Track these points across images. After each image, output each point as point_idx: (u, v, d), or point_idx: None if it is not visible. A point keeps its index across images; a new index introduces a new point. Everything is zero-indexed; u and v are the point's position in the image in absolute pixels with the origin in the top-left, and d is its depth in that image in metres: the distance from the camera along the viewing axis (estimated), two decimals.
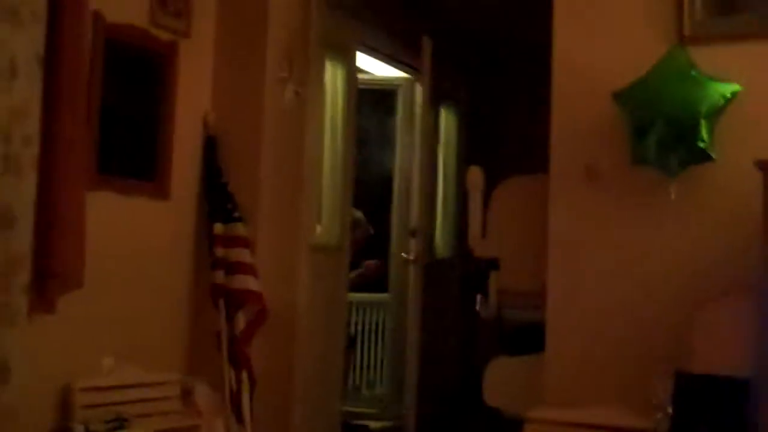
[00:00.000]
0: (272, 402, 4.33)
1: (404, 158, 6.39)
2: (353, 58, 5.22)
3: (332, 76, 4.96)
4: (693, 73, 3.40)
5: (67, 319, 3.53)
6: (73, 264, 3.47)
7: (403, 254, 5.37)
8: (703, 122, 3.34)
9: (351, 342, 6.11)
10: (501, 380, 4.14)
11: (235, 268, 4.15)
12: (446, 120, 6.49)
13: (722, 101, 3.38)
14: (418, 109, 6.21)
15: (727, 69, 3.42)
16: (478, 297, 4.58)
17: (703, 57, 3.45)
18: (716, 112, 3.39)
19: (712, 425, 2.96)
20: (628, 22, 3.72)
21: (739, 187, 3.31)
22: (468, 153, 6.44)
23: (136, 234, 3.99)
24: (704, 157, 3.38)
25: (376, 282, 6.45)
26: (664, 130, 3.38)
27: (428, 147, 5.84)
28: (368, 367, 6.77)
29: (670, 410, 3.04)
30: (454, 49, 6.11)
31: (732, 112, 3.40)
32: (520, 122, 6.28)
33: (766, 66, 3.45)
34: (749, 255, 3.01)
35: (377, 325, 6.78)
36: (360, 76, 5.38)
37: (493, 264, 4.30)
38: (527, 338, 4.00)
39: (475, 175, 4.44)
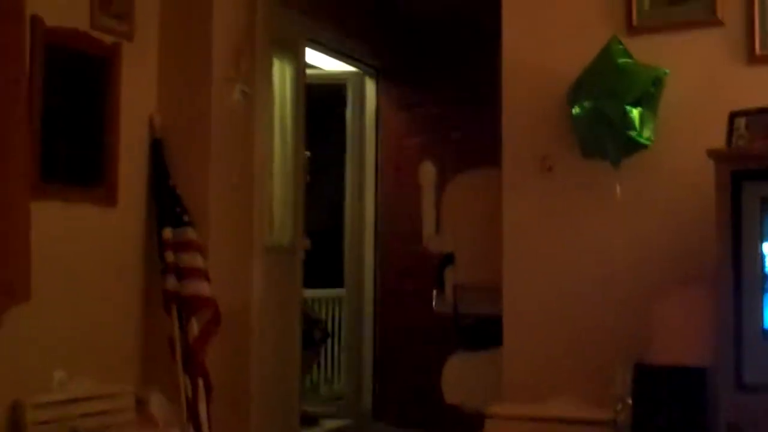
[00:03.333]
0: (229, 408, 4.27)
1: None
2: (302, 55, 5.15)
3: (281, 73, 4.90)
4: (621, 61, 3.38)
5: (15, 333, 3.44)
6: (18, 277, 3.38)
7: None
8: (633, 110, 3.31)
9: (324, 336, 6.07)
10: (459, 376, 4.13)
11: (186, 273, 4.07)
12: None
13: (651, 87, 3.36)
14: (369, 105, 6.18)
15: (672, 58, 3.44)
16: (434, 292, 4.57)
17: (650, 47, 3.47)
18: (648, 99, 3.36)
19: (671, 415, 2.98)
20: (578, 13, 3.70)
21: (694, 176, 3.30)
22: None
23: (83, 242, 3.89)
24: (637, 145, 3.36)
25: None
26: (598, 122, 3.37)
27: None
28: (326, 364, 6.73)
29: (629, 401, 3.06)
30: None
31: (683, 101, 3.41)
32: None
33: (710, 53, 3.46)
34: (704, 245, 3.02)
35: (333, 320, 6.75)
36: (308, 71, 5.31)
37: (449, 259, 4.29)
38: (485, 333, 3.99)
39: (428, 171, 4.43)
